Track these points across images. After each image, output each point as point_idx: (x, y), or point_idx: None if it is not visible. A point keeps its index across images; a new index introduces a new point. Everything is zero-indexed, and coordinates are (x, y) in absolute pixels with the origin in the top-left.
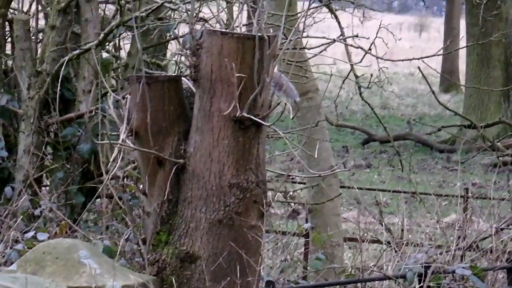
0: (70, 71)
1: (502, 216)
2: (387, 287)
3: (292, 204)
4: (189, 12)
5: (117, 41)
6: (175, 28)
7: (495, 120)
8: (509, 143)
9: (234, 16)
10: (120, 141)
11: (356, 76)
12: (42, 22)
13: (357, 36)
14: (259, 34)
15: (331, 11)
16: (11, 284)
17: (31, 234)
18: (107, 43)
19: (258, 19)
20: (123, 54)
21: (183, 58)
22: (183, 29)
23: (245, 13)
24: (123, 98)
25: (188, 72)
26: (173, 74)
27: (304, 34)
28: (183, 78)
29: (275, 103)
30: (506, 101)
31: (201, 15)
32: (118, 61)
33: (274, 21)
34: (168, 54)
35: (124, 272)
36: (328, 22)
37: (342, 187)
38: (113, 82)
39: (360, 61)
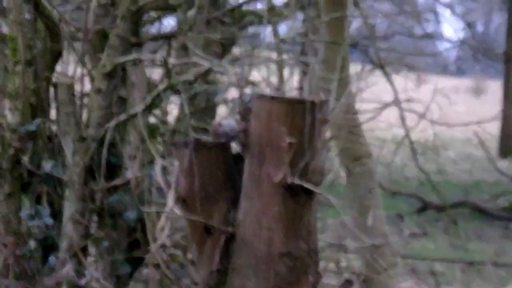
0: (116, 137)
1: None
2: None
3: (345, 274)
4: (238, 76)
5: (164, 106)
6: (224, 92)
7: None
8: None
9: (285, 79)
10: (167, 209)
11: (411, 142)
12: (87, 86)
13: (411, 100)
14: (309, 98)
15: (385, 74)
16: None
17: None
18: (154, 108)
19: (309, 82)
20: (170, 119)
21: (232, 121)
22: (232, 92)
23: (296, 76)
24: (171, 164)
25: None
26: (222, 140)
27: (357, 98)
28: (233, 144)
29: (328, 169)
30: None
31: (250, 78)
32: (165, 126)
33: (325, 84)
34: (217, 119)
35: None
36: (382, 85)
37: (397, 256)
38: (160, 147)
39: (415, 126)
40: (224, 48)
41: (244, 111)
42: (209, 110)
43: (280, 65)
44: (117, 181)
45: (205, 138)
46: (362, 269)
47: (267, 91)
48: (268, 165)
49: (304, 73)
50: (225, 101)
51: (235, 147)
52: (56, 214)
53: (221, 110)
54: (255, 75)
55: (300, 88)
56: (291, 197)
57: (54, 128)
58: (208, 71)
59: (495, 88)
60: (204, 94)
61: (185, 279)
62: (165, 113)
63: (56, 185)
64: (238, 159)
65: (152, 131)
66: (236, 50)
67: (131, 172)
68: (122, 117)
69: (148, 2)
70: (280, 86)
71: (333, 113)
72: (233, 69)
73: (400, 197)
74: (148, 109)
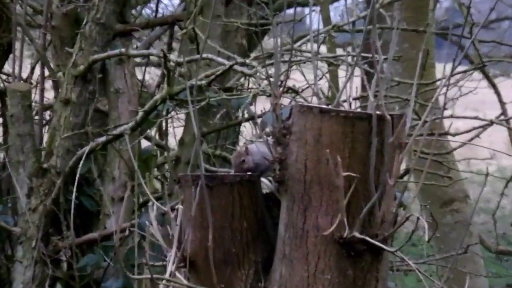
0: (92, 169)
1: None
2: None
3: None
4: (271, 79)
5: (163, 123)
6: (250, 104)
7: None
8: None
9: (340, 85)
10: (167, 275)
11: None
12: (50, 94)
13: None
14: (377, 112)
15: (487, 78)
16: None
17: None
18: (148, 126)
19: (376, 89)
20: (172, 142)
21: (262, 147)
22: (263, 104)
23: (356, 81)
24: (172, 210)
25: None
26: (247, 173)
27: (446, 113)
28: (263, 180)
29: (403, 218)
30: None
31: (289, 83)
32: (165, 154)
33: (401, 93)
34: (241, 143)
35: None
36: (482, 94)
37: None
38: (157, 185)
39: None
40: (252, 39)
41: (281, 132)
42: (229, 129)
43: (333, 64)
44: (93, 235)
45: (224, 171)
46: None
47: (314, 102)
48: (315, 212)
49: (368, 76)
50: (252, 117)
51: (267, 183)
52: (3, 284)
53: (247, 130)
54: (297, 78)
55: (363, 98)
56: (350, 258)
57: (0, 155)
58: (227, 73)
59: None
60: (221, 107)
61: None
62: (164, 134)
63: (3, 240)
64: (271, 201)
65: (146, 160)
66: (269, 42)
67: (114, 221)
68: (101, 140)
69: None
70: (332, 94)
71: (412, 135)
72: (265, 70)
73: (510, 259)
74: (140, 127)
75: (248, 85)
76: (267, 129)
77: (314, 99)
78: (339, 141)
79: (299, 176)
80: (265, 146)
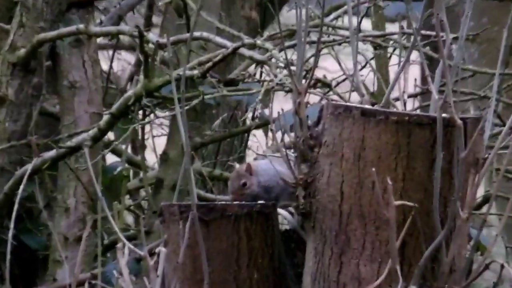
0: (37, 196)
1: None
2: None
3: None
4: (292, 68)
5: (138, 131)
6: (263, 104)
7: None
8: None
9: (391, 76)
10: None
11: None
12: None
13: None
14: (444, 115)
15: None
16: None
17: None
18: (117, 137)
19: (442, 82)
20: (150, 159)
21: (278, 164)
22: (280, 103)
23: (414, 71)
24: (151, 254)
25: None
26: (259, 202)
27: None
28: (280, 211)
29: (480, 265)
30: None
31: (318, 73)
32: (141, 174)
33: (477, 88)
34: (250, 158)
35: None
36: None
37: None
38: (130, 219)
39: None
40: (267, 10)
41: (307, 143)
42: (233, 140)
43: (381, 47)
44: None
45: (226, 199)
46: None
47: (354, 100)
48: (356, 257)
49: (431, 63)
50: (266, 122)
51: (286, 217)
52: None
53: (258, 141)
54: (329, 67)
55: (424, 95)
56: None
57: None
58: (230, 59)
59: None
60: (222, 107)
61: None
62: (140, 146)
63: None
64: (293, 242)
65: (114, 183)
66: (289, 15)
67: (68, 270)
68: (50, 154)
69: None
70: (380, 90)
71: (493, 147)
72: (283, 54)
73: None
74: (103, 137)
75: (260, 76)
76: (287, 139)
77: (354, 96)
78: (390, 156)
79: (333, 206)
80: (284, 163)
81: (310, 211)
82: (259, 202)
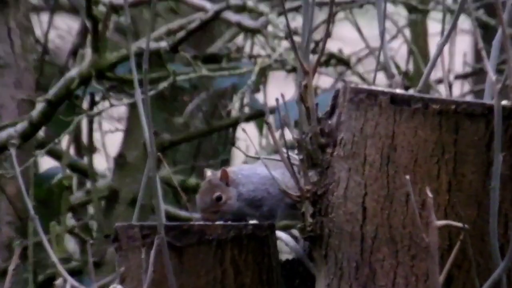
0: None
1: None
2: None
3: None
4: (296, 40)
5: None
6: (256, 88)
7: None
8: None
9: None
10: None
11: None
12: None
13: None
14: (504, 102)
15: None
16: None
17: None
18: (56, 132)
19: (502, 59)
20: (101, 163)
21: (276, 169)
22: (280, 87)
23: (462, 43)
24: None
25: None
26: (251, 222)
27: None
28: (280, 234)
29: None
30: None
31: (331, 46)
32: (88, 184)
33: None
34: (239, 162)
35: None
36: None
37: None
38: (72, 245)
39: None
40: None
41: (316, 141)
42: (216, 137)
43: (417, 10)
44: None
45: (199, 218)
46: None
47: (380, 83)
48: None
49: (486, 33)
50: (260, 112)
51: (288, 242)
52: None
53: (249, 139)
54: (347, 35)
55: (476, 75)
56: None
57: None
58: (210, 26)
59: None
60: (200, 93)
61: None
62: (88, 146)
63: None
64: (296, 276)
65: (50, 196)
66: None
67: None
68: None
69: None
70: (417, 69)
71: None
72: (282, 21)
73: None
74: (34, 134)
75: (252, 49)
76: (289, 136)
77: (381, 77)
78: (430, 159)
79: (352, 227)
80: (282, 169)
81: (320, 234)
82: (251, 222)
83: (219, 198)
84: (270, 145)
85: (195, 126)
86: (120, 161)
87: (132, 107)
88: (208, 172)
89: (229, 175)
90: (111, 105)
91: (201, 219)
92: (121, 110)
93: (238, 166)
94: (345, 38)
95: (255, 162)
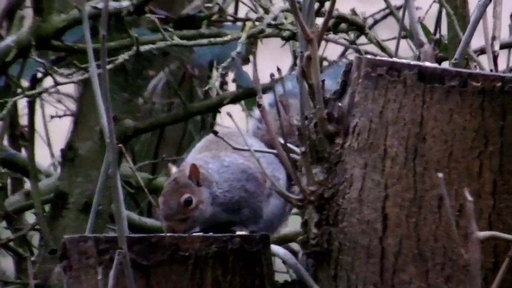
0: None
1: None
2: None
3: None
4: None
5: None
6: (244, 59)
7: None
8: None
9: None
10: None
11: None
12: None
13: None
14: None
15: None
16: None
17: None
18: None
19: None
20: (44, 156)
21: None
22: (273, 59)
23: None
24: None
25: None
26: (239, 233)
27: None
28: (276, 249)
29: None
30: None
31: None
32: (28, 186)
33: None
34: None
35: None
36: None
37: None
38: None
39: None
40: None
41: (323, 129)
42: (192, 124)
43: None
44: None
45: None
46: None
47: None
48: None
49: None
50: (250, 91)
51: (286, 259)
52: None
53: (234, 123)
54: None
55: None
56: None
57: None
58: None
59: None
60: (171, 65)
61: None
62: (29, 135)
63: None
64: None
65: None
66: None
67: None
68: None
69: None
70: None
71: None
72: None
73: None
74: None
75: (236, 11)
76: (287, 121)
77: (405, 46)
78: (470, 152)
79: (370, 240)
80: (276, 163)
81: (328, 249)
82: (239, 233)
83: (188, 202)
84: (261, 134)
85: (163, 109)
86: (70, 155)
87: (85, 85)
88: (173, 168)
89: (200, 171)
90: (58, 83)
91: (164, 228)
92: (70, 89)
93: (198, 156)
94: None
95: (241, 155)
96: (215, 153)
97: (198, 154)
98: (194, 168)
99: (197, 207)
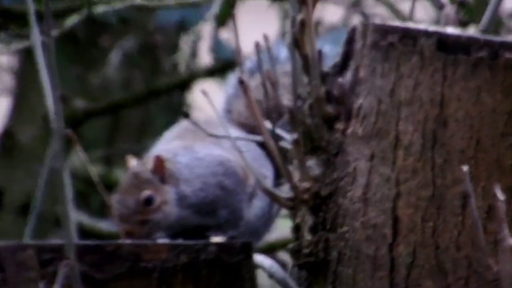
0: None
1: None
2: None
3: None
4: None
5: None
6: (220, 23)
7: None
8: None
9: None
10: None
11: None
12: None
13: None
14: None
15: None
16: None
17: None
18: None
19: None
20: None
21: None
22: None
23: None
24: None
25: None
26: (215, 239)
27: None
28: (260, 259)
29: None
30: None
31: None
32: None
33: None
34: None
35: None
36: None
37: None
38: None
39: None
40: None
41: (319, 110)
42: (154, 103)
43: None
44: None
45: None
46: None
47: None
48: None
49: None
50: (223, 63)
51: (273, 270)
52: None
53: (209, 104)
54: None
55: None
56: None
57: None
58: None
59: None
60: (132, 33)
61: None
62: None
63: None
64: None
65: None
66: None
67: None
68: None
69: None
70: None
71: None
72: None
73: None
74: None
75: None
76: (274, 100)
77: (422, 7)
78: (501, 140)
79: (376, 248)
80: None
81: (325, 259)
82: (215, 238)
83: (149, 201)
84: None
85: (123, 86)
86: (7, 144)
87: (26, 56)
88: (133, 161)
89: (164, 163)
90: None
91: (120, 233)
92: (7, 61)
93: (167, 147)
94: None
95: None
96: (188, 143)
97: (168, 145)
98: (158, 161)
99: (159, 208)
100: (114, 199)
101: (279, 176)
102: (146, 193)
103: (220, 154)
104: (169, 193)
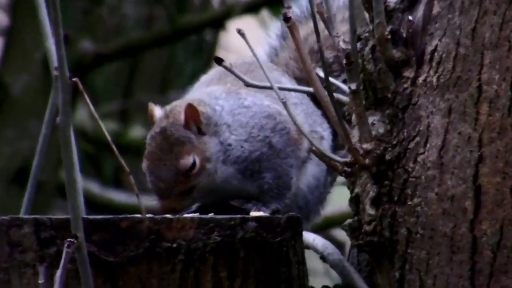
0: None
1: None
2: None
3: None
4: None
5: None
6: None
7: None
8: None
9: None
10: None
11: None
12: None
13: None
14: None
15: None
16: None
17: None
18: None
19: None
20: None
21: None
22: None
23: None
24: None
25: None
26: (253, 213)
27: None
28: (310, 238)
29: None
30: None
31: None
32: None
33: None
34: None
35: None
36: None
37: None
38: None
39: None
40: None
41: (386, 54)
42: (178, 46)
43: None
44: None
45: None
46: None
47: None
48: None
49: None
50: None
51: (326, 249)
52: None
53: (241, 47)
54: None
55: None
56: None
57: None
58: None
59: None
60: None
61: None
62: None
63: None
64: None
65: None
66: None
67: None
68: None
69: None
70: None
71: None
72: None
73: None
74: None
75: None
76: (333, 40)
77: None
78: None
79: (454, 225)
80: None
81: (392, 239)
82: (254, 213)
83: (191, 167)
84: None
85: (141, 24)
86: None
87: None
88: (157, 110)
89: (202, 111)
90: None
91: (159, 207)
92: None
93: (204, 90)
94: None
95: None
96: (232, 88)
97: (206, 88)
98: (190, 109)
99: (203, 169)
100: (144, 168)
101: (336, 136)
102: (185, 161)
103: (269, 104)
104: (209, 145)
